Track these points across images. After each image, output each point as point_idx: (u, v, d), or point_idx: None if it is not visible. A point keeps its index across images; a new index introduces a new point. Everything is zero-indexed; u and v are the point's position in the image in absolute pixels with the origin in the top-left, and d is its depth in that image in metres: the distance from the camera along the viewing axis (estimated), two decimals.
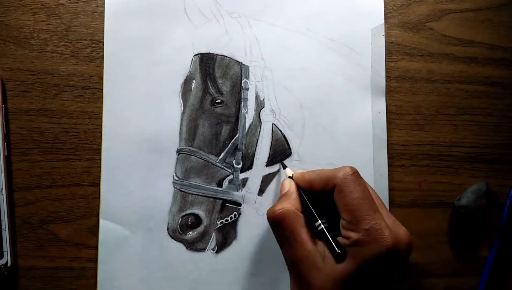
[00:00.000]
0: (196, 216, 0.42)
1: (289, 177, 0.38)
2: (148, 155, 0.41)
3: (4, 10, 0.41)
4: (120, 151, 0.41)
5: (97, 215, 0.41)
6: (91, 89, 0.41)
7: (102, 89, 0.41)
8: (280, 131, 0.42)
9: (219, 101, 0.42)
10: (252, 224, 0.42)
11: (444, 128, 0.44)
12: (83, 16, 0.42)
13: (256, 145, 0.42)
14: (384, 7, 0.44)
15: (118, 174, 0.41)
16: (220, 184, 0.42)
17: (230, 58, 0.42)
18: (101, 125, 0.41)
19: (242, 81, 0.42)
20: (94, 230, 0.41)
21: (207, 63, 0.42)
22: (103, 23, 0.42)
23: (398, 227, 0.33)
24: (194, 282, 0.41)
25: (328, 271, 0.31)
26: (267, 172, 0.42)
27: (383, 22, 0.43)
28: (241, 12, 0.43)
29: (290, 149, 0.42)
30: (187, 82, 0.42)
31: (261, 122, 0.42)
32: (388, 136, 0.43)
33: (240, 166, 0.42)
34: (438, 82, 0.44)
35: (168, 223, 0.41)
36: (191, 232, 0.41)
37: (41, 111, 0.41)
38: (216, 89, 0.42)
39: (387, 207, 0.42)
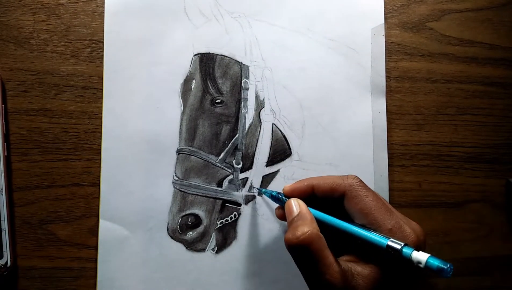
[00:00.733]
0: (196, 216, 0.41)
1: (285, 196, 0.37)
2: (148, 155, 0.41)
3: (4, 10, 0.41)
4: (120, 151, 0.41)
5: (97, 215, 0.41)
6: (91, 89, 0.41)
7: (102, 89, 0.41)
8: (280, 131, 0.42)
9: (219, 101, 0.42)
10: (252, 224, 0.42)
11: (444, 128, 0.44)
12: (83, 16, 0.42)
13: (256, 145, 0.42)
14: (384, 7, 0.44)
15: (118, 174, 0.41)
16: (220, 184, 0.42)
17: (230, 58, 0.42)
18: (101, 125, 0.41)
19: (242, 81, 0.42)
20: (94, 230, 0.41)
21: (207, 63, 0.42)
22: (103, 23, 0.42)
23: (411, 222, 0.33)
24: (194, 282, 0.41)
25: (361, 288, 0.30)
26: (267, 172, 0.42)
27: (383, 22, 0.43)
28: (241, 12, 0.43)
29: (290, 149, 0.42)
30: (187, 82, 0.42)
31: (261, 122, 0.42)
32: (388, 136, 0.43)
33: (240, 166, 0.42)
34: (438, 82, 0.44)
35: (168, 223, 0.41)
36: (191, 232, 0.41)
37: (41, 111, 0.41)
38: (216, 89, 0.42)
39: None
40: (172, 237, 0.41)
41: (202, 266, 0.41)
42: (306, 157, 0.42)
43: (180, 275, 0.41)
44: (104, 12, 0.42)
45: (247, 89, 0.42)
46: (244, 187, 0.42)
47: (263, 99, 0.42)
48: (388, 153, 0.43)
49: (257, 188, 0.42)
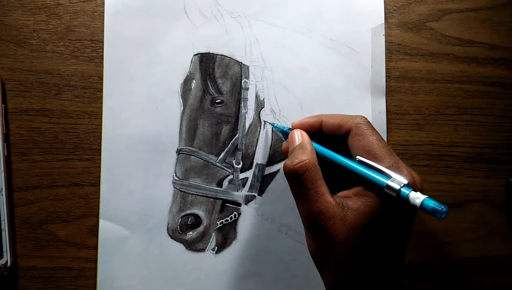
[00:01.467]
0: (196, 216, 0.41)
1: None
2: (148, 155, 0.41)
3: (4, 10, 0.41)
4: (120, 151, 0.41)
5: (97, 215, 0.41)
6: (91, 89, 0.41)
7: (102, 89, 0.41)
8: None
9: (219, 101, 0.42)
10: (252, 224, 0.42)
11: (444, 128, 0.44)
12: (83, 16, 0.42)
13: (256, 145, 0.42)
14: (384, 7, 0.44)
15: (118, 174, 0.41)
16: (220, 184, 0.42)
17: (230, 58, 0.42)
18: (101, 125, 0.41)
19: (242, 81, 0.42)
20: (93, 230, 0.41)
21: (207, 63, 0.42)
22: (103, 23, 0.42)
23: (410, 169, 0.33)
24: (194, 282, 0.41)
25: (350, 220, 0.31)
26: (267, 172, 0.42)
27: (383, 22, 0.43)
28: (241, 12, 0.43)
29: None
30: (187, 82, 0.42)
31: (261, 122, 0.42)
32: (388, 136, 0.43)
33: (240, 166, 0.42)
34: (438, 82, 0.44)
35: (168, 223, 0.41)
36: (191, 232, 0.41)
37: (41, 111, 0.41)
38: (216, 89, 0.42)
39: None
40: (172, 237, 0.41)
41: (202, 266, 0.41)
42: None
43: (180, 275, 0.41)
44: (104, 12, 0.42)
45: (247, 89, 0.42)
46: (244, 187, 0.42)
47: (263, 99, 0.42)
48: None
49: (270, 123, 0.42)
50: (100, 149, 0.41)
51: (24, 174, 0.41)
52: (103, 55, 0.41)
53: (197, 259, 0.41)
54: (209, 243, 0.41)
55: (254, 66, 0.42)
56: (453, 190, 0.44)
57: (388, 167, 0.31)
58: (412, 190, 0.29)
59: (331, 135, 0.35)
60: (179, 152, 0.42)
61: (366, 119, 0.34)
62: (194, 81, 0.42)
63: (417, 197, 0.29)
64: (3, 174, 0.39)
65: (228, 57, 0.42)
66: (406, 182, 0.30)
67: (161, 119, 0.42)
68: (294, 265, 0.42)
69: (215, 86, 0.42)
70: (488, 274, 0.43)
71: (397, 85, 0.44)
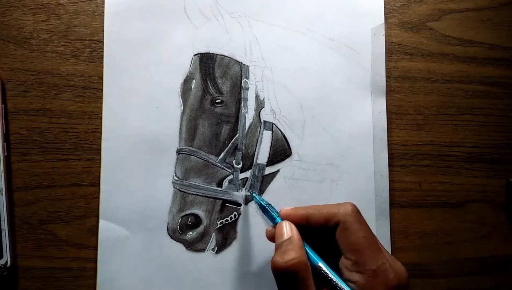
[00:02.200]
0: (196, 216, 0.41)
1: (281, 218, 0.36)
2: (148, 155, 0.41)
3: (4, 10, 0.41)
4: (120, 151, 0.41)
5: (96, 215, 0.41)
6: (91, 89, 0.41)
7: (101, 89, 0.41)
8: (280, 131, 0.42)
9: (219, 101, 0.42)
10: (252, 224, 0.42)
11: (444, 128, 0.44)
12: (83, 16, 0.42)
13: (256, 145, 0.42)
14: (384, 7, 0.44)
15: (118, 174, 0.41)
16: (220, 184, 0.42)
17: (230, 58, 0.42)
18: (101, 125, 0.41)
19: (242, 81, 0.42)
20: (93, 230, 0.41)
21: (207, 63, 0.42)
22: (103, 23, 0.42)
23: (396, 263, 0.32)
24: (194, 282, 0.41)
25: None
26: (267, 172, 0.42)
27: (383, 22, 0.43)
28: (241, 12, 0.43)
29: (290, 149, 0.42)
30: (187, 82, 0.42)
31: (261, 122, 0.42)
32: (388, 136, 0.43)
33: (240, 166, 0.42)
34: (438, 82, 0.44)
35: (168, 223, 0.41)
36: (191, 232, 0.41)
37: (40, 111, 0.41)
38: (216, 89, 0.42)
39: (388, 208, 0.42)
40: (172, 237, 0.41)
41: (202, 266, 0.41)
42: (306, 157, 0.42)
43: (180, 275, 0.41)
44: (104, 12, 0.42)
45: (247, 89, 0.42)
46: (244, 187, 0.42)
47: (263, 99, 0.42)
48: (388, 153, 0.43)
49: (251, 192, 0.41)
50: (100, 149, 0.41)
51: (24, 174, 0.41)
52: (103, 55, 0.41)
53: (197, 259, 0.41)
54: (209, 243, 0.41)
55: (254, 66, 0.42)
56: (453, 190, 0.44)
57: (374, 270, 0.31)
58: None
59: (320, 228, 0.34)
60: (179, 152, 0.42)
61: (354, 207, 0.33)
62: (194, 81, 0.42)
63: None
64: (3, 174, 0.39)
65: (228, 57, 0.42)
66: None
67: (161, 119, 0.42)
68: None
69: (215, 86, 0.42)
70: (488, 274, 0.43)
71: (397, 85, 0.44)
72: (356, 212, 0.33)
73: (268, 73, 0.43)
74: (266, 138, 0.42)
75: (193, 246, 0.41)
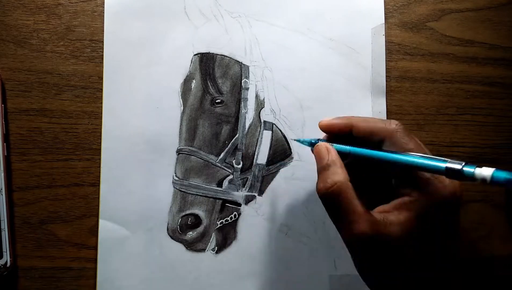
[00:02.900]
0: (196, 216, 0.41)
1: (321, 140, 0.35)
2: (148, 155, 0.41)
3: (4, 10, 0.41)
4: (120, 151, 0.41)
5: (96, 215, 0.41)
6: (91, 89, 0.41)
7: (101, 89, 0.41)
8: (280, 131, 0.42)
9: (219, 101, 0.42)
10: (252, 224, 0.42)
11: (444, 128, 0.44)
12: (83, 16, 0.42)
13: (256, 145, 0.42)
14: (384, 7, 0.44)
15: (118, 174, 0.41)
16: (220, 184, 0.42)
17: (230, 58, 0.42)
18: (101, 125, 0.41)
19: (242, 81, 0.42)
20: (93, 230, 0.41)
21: (207, 63, 0.42)
22: (103, 23, 0.42)
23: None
24: (194, 282, 0.41)
25: (395, 235, 0.29)
26: (267, 172, 0.42)
27: (383, 22, 0.43)
28: (241, 12, 0.43)
29: (290, 149, 0.42)
30: (187, 82, 0.42)
31: (261, 122, 0.42)
32: None
33: (240, 166, 0.42)
34: (438, 82, 0.44)
35: (168, 223, 0.41)
36: (191, 232, 0.41)
37: (40, 111, 0.41)
38: (216, 89, 0.42)
39: None
40: (172, 237, 0.41)
41: (202, 266, 0.41)
42: (306, 157, 0.42)
43: (180, 275, 0.41)
44: (104, 12, 0.42)
45: (247, 89, 0.42)
46: (244, 187, 0.42)
47: (263, 99, 0.42)
48: None
49: (295, 139, 0.40)
50: (100, 149, 0.41)
51: (24, 174, 0.41)
52: (103, 55, 0.41)
53: (197, 259, 0.41)
54: (209, 243, 0.41)
55: (254, 66, 0.42)
56: None
57: (428, 179, 0.30)
58: (476, 166, 0.27)
59: (361, 139, 0.33)
60: (179, 152, 0.42)
61: (402, 125, 0.32)
62: (194, 81, 0.42)
63: (485, 171, 0.26)
64: (3, 174, 0.39)
65: (228, 57, 0.42)
66: (463, 162, 0.27)
67: (161, 119, 0.42)
68: (294, 265, 0.42)
69: (215, 86, 0.42)
70: (488, 274, 0.43)
71: (397, 85, 0.44)
72: (404, 128, 0.32)
73: (268, 73, 0.43)
74: (266, 138, 0.42)
75: (193, 246, 0.41)
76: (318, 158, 0.33)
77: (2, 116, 0.40)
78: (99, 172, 0.41)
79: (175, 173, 0.41)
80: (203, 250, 0.41)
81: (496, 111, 0.44)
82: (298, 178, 0.42)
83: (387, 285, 0.31)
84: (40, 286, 0.40)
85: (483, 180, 0.26)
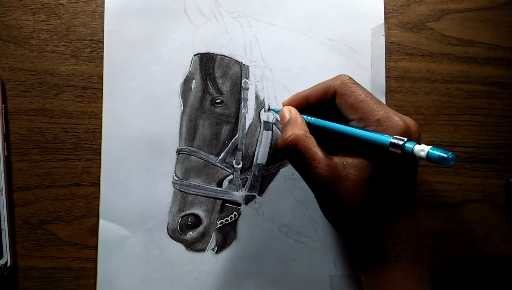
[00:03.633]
0: (196, 216, 0.41)
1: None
2: (148, 155, 0.41)
3: (4, 10, 0.41)
4: (120, 151, 0.41)
5: (97, 215, 0.41)
6: (91, 89, 0.41)
7: (102, 89, 0.41)
8: (280, 131, 0.42)
9: (219, 101, 0.42)
10: (252, 224, 0.42)
11: (444, 128, 0.44)
12: (83, 16, 0.42)
13: (256, 145, 0.42)
14: (384, 7, 0.44)
15: (118, 174, 0.41)
16: (220, 184, 0.42)
17: (230, 58, 0.42)
18: (101, 125, 0.41)
19: (242, 81, 0.42)
20: (93, 230, 0.41)
21: (207, 63, 0.42)
22: (103, 23, 0.42)
23: (403, 116, 0.33)
24: (194, 282, 0.41)
25: (354, 176, 0.31)
26: (267, 172, 0.42)
27: (383, 22, 0.43)
28: (241, 12, 0.43)
29: None
30: (187, 82, 0.42)
31: (261, 122, 0.42)
32: None
33: (240, 166, 0.42)
34: (438, 82, 0.44)
35: (168, 223, 0.41)
36: (191, 232, 0.41)
37: (41, 111, 0.41)
38: (216, 89, 0.42)
39: None
40: (172, 237, 0.41)
41: (202, 266, 0.41)
42: None
43: (180, 275, 0.41)
44: (104, 12, 0.42)
45: (247, 89, 0.42)
46: (244, 187, 0.42)
47: (263, 99, 0.42)
48: None
49: (269, 109, 0.42)
50: (100, 149, 0.41)
51: (24, 174, 0.41)
52: (103, 55, 0.41)
53: (197, 259, 0.41)
54: (209, 243, 0.41)
55: (254, 66, 0.42)
56: (453, 190, 0.44)
57: (378, 119, 0.31)
58: (416, 143, 0.29)
59: (321, 106, 0.35)
60: (179, 152, 0.42)
61: (349, 76, 0.34)
62: (194, 81, 0.42)
63: (421, 150, 0.28)
64: (3, 174, 0.39)
65: (228, 57, 0.42)
66: (405, 139, 0.29)
67: (161, 119, 0.42)
68: (294, 265, 0.42)
69: (215, 86, 0.42)
70: (488, 274, 0.43)
71: (397, 85, 0.44)
72: (351, 79, 0.34)
73: (268, 73, 0.43)
74: (266, 138, 0.42)
75: (193, 246, 0.41)
76: (281, 119, 0.36)
77: (2, 116, 0.40)
78: (99, 172, 0.41)
79: (175, 173, 0.41)
80: (203, 250, 0.41)
81: (496, 111, 0.44)
82: (298, 178, 0.42)
83: (347, 223, 0.33)
84: (40, 286, 0.40)
85: (420, 157, 0.28)
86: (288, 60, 0.43)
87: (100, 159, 0.41)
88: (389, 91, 0.43)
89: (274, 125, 0.42)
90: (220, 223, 0.42)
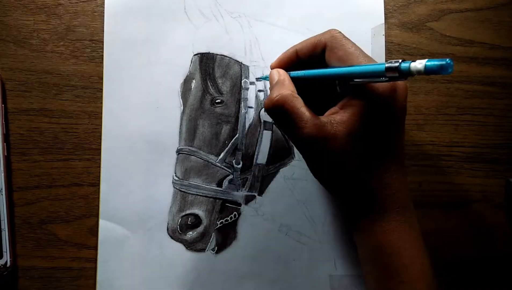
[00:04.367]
0: (196, 216, 0.41)
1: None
2: (148, 155, 0.41)
3: (4, 10, 0.41)
4: (120, 151, 0.41)
5: (97, 215, 0.41)
6: (91, 89, 0.41)
7: (102, 89, 0.41)
8: (280, 131, 0.42)
9: (219, 101, 0.42)
10: (252, 224, 0.42)
11: (444, 128, 0.44)
12: (83, 16, 0.42)
13: (256, 145, 0.42)
14: (384, 7, 0.44)
15: (118, 174, 0.41)
16: (220, 184, 0.42)
17: (230, 58, 0.42)
18: (101, 125, 0.41)
19: (242, 81, 0.42)
20: (93, 230, 0.41)
21: (207, 63, 0.42)
22: (103, 23, 0.42)
23: None
24: (194, 282, 0.41)
25: (342, 133, 0.31)
26: (267, 172, 0.42)
27: (383, 22, 0.43)
28: (241, 12, 0.43)
29: (290, 149, 0.42)
30: (187, 82, 0.42)
31: (261, 122, 0.42)
32: None
33: (240, 166, 0.42)
34: (438, 82, 0.44)
35: (168, 223, 0.41)
36: (190, 232, 0.41)
37: (41, 111, 0.41)
38: (216, 89, 0.42)
39: None
40: (172, 237, 0.41)
41: (202, 266, 0.41)
42: None
43: (180, 275, 0.41)
44: (104, 12, 0.42)
45: (247, 89, 0.42)
46: (244, 187, 0.42)
47: (263, 99, 0.42)
48: None
49: (257, 78, 0.42)
50: (100, 149, 0.41)
51: (24, 174, 0.41)
52: (103, 55, 0.41)
53: (197, 259, 0.41)
54: (209, 243, 0.41)
55: (254, 66, 0.42)
56: (453, 190, 0.44)
57: None
58: (411, 61, 0.28)
59: (310, 60, 0.35)
60: (179, 152, 0.42)
61: (339, 31, 0.34)
62: (194, 81, 0.42)
63: (419, 63, 0.27)
64: (3, 174, 0.39)
65: (228, 57, 0.42)
66: (400, 60, 0.29)
67: (161, 119, 0.42)
68: (294, 265, 0.42)
69: (215, 86, 0.42)
70: (488, 274, 0.43)
71: None
72: (341, 33, 0.34)
73: (268, 73, 0.42)
74: (266, 138, 0.42)
75: (193, 246, 0.41)
76: (270, 81, 0.36)
77: (2, 116, 0.40)
78: (99, 172, 0.41)
79: (175, 173, 0.41)
80: (203, 250, 0.41)
81: (496, 111, 0.44)
82: (298, 178, 0.42)
83: (338, 181, 0.33)
84: (40, 286, 0.40)
85: (418, 72, 0.27)
86: None
87: (100, 159, 0.41)
88: None
89: (274, 125, 0.42)
90: (220, 223, 0.42)
